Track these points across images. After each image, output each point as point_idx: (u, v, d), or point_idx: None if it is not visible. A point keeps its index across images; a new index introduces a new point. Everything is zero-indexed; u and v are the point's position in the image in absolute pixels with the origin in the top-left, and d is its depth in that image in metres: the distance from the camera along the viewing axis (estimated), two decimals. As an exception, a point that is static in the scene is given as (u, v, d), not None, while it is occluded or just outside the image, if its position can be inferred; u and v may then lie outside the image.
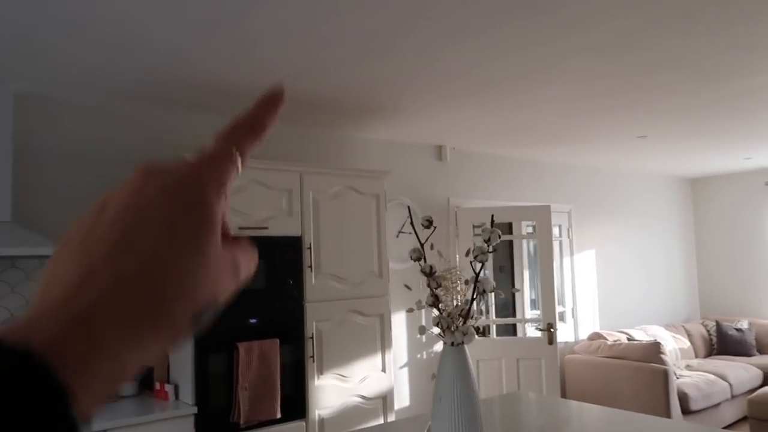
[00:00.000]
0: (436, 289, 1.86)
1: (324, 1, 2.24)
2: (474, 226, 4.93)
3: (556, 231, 5.77)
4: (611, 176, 6.42)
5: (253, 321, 3.13)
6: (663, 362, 4.79)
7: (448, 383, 1.80)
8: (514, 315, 5.40)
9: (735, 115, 4.30)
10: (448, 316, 1.84)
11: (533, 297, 5.32)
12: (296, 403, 3.25)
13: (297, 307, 3.32)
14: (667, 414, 4.60)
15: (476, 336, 1.85)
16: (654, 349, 4.87)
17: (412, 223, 1.91)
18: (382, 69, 3.02)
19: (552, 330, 4.71)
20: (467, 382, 1.81)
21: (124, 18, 2.32)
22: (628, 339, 5.47)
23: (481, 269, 1.81)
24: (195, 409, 2.91)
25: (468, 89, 3.44)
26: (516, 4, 2.32)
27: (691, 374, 5.28)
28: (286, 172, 3.39)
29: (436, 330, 1.86)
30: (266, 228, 3.24)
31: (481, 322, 5.02)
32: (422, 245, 1.88)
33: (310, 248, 3.40)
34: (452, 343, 1.83)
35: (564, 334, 5.63)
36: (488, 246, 1.78)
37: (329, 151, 4.29)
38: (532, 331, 5.17)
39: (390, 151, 4.65)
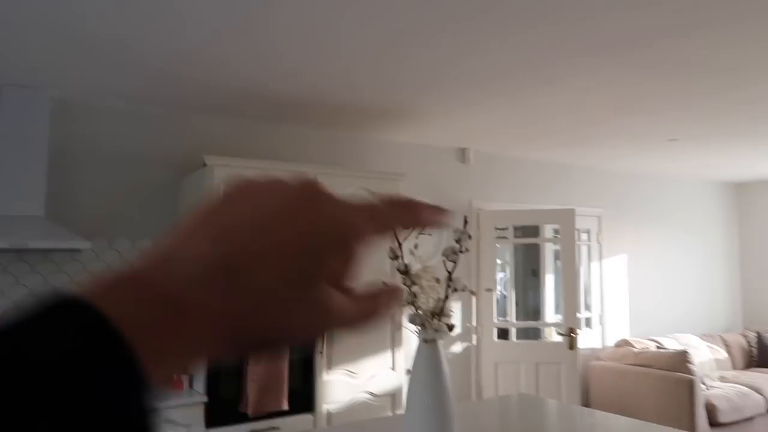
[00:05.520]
0: (411, 287, 1.92)
1: (346, 2, 2.28)
2: (496, 228, 4.94)
3: (585, 235, 5.69)
4: (646, 180, 6.27)
5: (264, 316, 3.26)
6: (690, 372, 4.65)
7: (421, 378, 1.87)
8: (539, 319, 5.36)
9: (769, 118, 4.15)
10: (423, 313, 1.90)
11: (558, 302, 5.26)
12: (304, 397, 3.36)
13: (308, 303, 3.43)
14: (692, 426, 4.48)
15: (448, 333, 1.90)
16: (681, 358, 4.74)
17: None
18: (404, 72, 3.09)
19: (573, 335, 4.66)
20: (439, 377, 1.86)
21: (146, 28, 2.49)
22: (658, 347, 5.34)
23: (454, 268, 1.87)
24: (205, 398, 3.06)
25: (490, 94, 3.47)
26: (532, 12, 2.35)
27: (723, 386, 5.10)
28: (299, 173, 3.50)
29: (412, 326, 1.92)
30: (279, 227, 3.37)
31: (501, 324, 5.02)
32: (400, 244, 1.95)
33: (322, 247, 3.51)
34: (425, 340, 1.89)
35: (591, 340, 5.55)
36: (460, 247, 1.84)
37: (350, 153, 4.39)
38: (558, 337, 5.12)
39: (412, 154, 4.71)
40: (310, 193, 0.31)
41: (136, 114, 3.60)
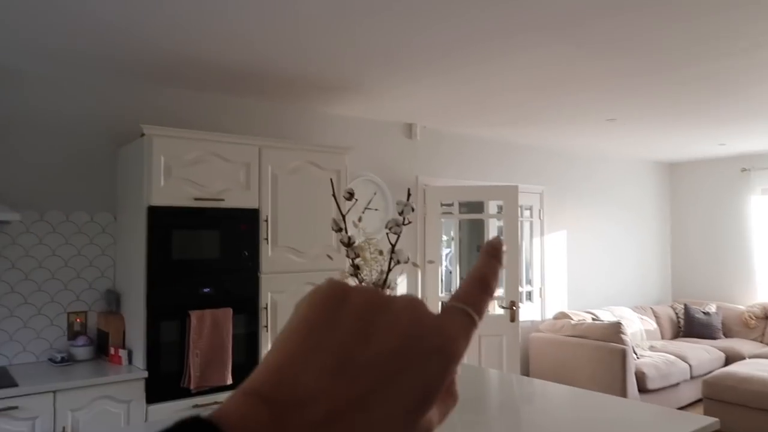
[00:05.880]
0: (354, 259, 1.92)
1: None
2: (442, 204, 4.99)
3: (527, 212, 5.83)
4: (586, 159, 6.47)
5: (206, 290, 3.20)
6: (622, 342, 4.89)
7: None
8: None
9: (702, 100, 4.32)
10: (366, 285, 1.91)
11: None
12: (249, 371, 3.30)
13: (252, 277, 3.39)
14: (623, 392, 4.72)
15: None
16: (614, 329, 4.97)
17: (334, 195, 1.97)
18: (353, 46, 3.03)
19: (514, 308, 4.80)
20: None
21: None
22: (593, 319, 5.57)
23: (396, 241, 1.88)
24: (146, 374, 2.99)
25: (436, 70, 3.46)
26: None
27: (653, 355, 5.39)
28: (245, 145, 3.43)
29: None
30: (222, 200, 3.30)
31: (446, 298, 5.11)
32: (344, 217, 1.94)
33: (267, 221, 3.46)
34: (368, 311, 1.90)
35: (531, 312, 5.74)
36: (403, 219, 1.85)
37: (296, 126, 4.32)
38: (500, 309, 5.27)
39: (359, 128, 4.69)
40: (418, 323, 0.32)
41: (69, 79, 3.42)
